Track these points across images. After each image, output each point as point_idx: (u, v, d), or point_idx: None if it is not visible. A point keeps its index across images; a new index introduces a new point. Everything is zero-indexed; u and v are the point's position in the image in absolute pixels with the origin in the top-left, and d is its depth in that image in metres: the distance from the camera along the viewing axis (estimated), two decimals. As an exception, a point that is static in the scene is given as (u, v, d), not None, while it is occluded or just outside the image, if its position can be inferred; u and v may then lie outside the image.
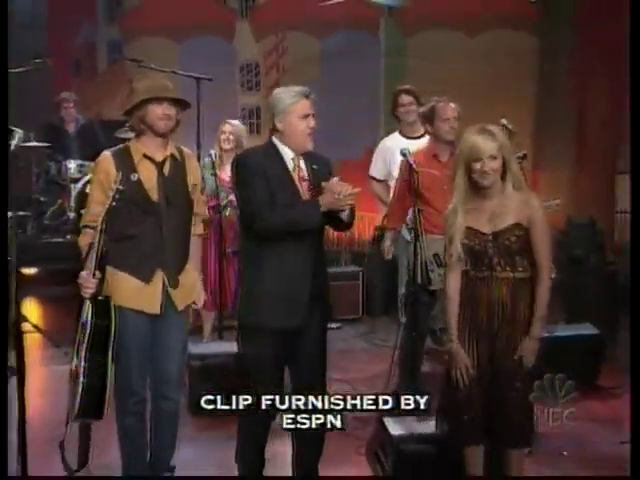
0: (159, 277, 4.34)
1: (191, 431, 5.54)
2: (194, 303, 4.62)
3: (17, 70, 7.36)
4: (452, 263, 4.13)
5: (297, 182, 4.39)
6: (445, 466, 4.44)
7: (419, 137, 6.60)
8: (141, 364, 4.43)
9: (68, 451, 4.47)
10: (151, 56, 8.91)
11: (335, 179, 4.28)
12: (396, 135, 6.89)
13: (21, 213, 4.61)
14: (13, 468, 3.73)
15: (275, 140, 4.41)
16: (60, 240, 8.49)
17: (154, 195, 4.29)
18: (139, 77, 4.51)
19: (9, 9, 10.37)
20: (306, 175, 4.45)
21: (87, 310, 4.17)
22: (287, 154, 4.40)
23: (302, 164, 4.45)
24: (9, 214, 6.66)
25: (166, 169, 4.36)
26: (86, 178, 7.35)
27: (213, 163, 6.90)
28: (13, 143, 4.28)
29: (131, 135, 7.83)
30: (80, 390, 4.16)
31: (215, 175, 6.90)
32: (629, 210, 4.38)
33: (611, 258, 8.59)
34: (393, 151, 6.39)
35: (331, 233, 9.97)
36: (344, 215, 4.31)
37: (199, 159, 6.33)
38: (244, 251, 4.60)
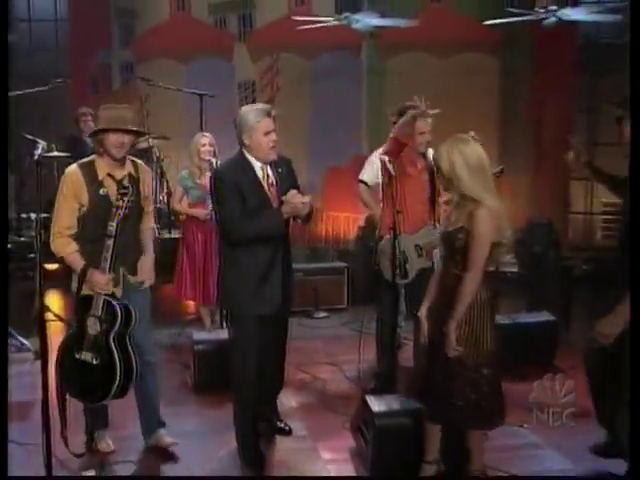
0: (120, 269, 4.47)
1: (196, 407, 5.57)
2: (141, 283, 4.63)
3: (41, 89, 7.34)
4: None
5: (267, 189, 4.57)
6: (417, 436, 4.44)
7: None
8: None
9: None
10: (159, 76, 8.91)
11: (292, 192, 4.47)
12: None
13: (45, 215, 4.61)
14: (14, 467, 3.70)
15: (245, 152, 4.58)
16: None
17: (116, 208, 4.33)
18: (104, 107, 4.55)
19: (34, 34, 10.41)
20: (274, 181, 4.62)
21: (100, 305, 4.30)
22: (256, 164, 4.58)
23: (269, 171, 4.63)
24: (35, 216, 6.68)
25: (124, 184, 4.40)
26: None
27: (191, 175, 6.76)
28: (37, 153, 4.24)
29: (143, 146, 7.86)
30: (118, 374, 4.27)
31: (196, 184, 6.74)
32: (583, 211, 4.39)
33: (566, 254, 8.63)
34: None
35: (320, 233, 10.04)
36: (302, 217, 4.61)
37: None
38: (223, 252, 4.75)
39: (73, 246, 4.43)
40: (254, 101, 10.55)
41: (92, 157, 4.52)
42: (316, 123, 9.97)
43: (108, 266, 4.27)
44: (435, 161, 4.07)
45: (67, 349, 4.39)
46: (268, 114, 4.55)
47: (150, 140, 8.00)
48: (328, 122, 9.83)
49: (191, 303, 7.93)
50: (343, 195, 9.90)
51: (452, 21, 9.94)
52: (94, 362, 4.30)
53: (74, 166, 4.52)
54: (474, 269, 3.86)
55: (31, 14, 11.43)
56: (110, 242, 4.25)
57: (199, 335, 6.05)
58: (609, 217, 9.86)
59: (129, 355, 4.35)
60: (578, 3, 8.86)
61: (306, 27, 9.23)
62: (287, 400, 5.62)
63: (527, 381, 5.02)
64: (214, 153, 6.74)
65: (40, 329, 4.11)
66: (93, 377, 4.32)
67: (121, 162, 4.52)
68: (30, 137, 6.90)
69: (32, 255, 5.48)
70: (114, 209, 4.25)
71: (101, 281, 4.29)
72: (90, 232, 4.40)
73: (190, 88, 8.21)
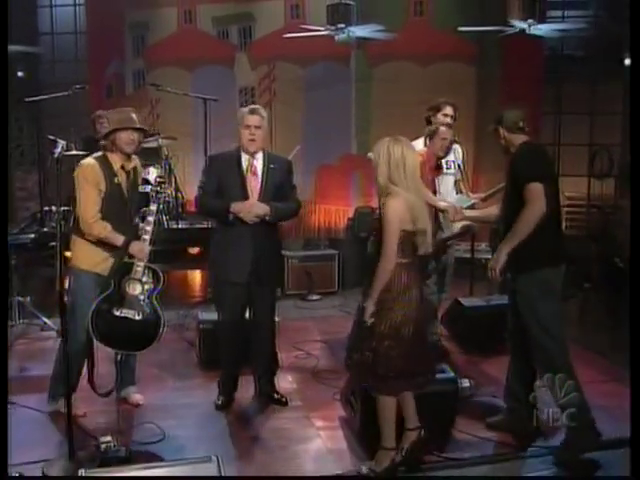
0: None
1: (201, 380, 5.57)
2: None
3: (62, 94, 7.31)
4: None
5: (247, 177, 4.79)
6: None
7: None
8: None
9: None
10: (168, 82, 8.88)
11: (249, 201, 4.73)
12: (420, 142, 5.78)
13: (64, 208, 4.63)
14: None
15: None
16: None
17: (126, 193, 4.74)
18: (113, 111, 4.85)
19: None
20: (259, 172, 4.82)
21: (141, 270, 4.54)
22: (244, 156, 4.83)
23: (257, 164, 4.82)
24: (56, 209, 6.67)
25: (131, 176, 4.80)
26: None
27: None
28: (57, 152, 4.24)
29: (152, 145, 7.84)
30: (162, 325, 4.56)
31: None
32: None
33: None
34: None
35: (313, 224, 10.05)
36: (267, 218, 4.78)
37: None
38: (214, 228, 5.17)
39: (108, 226, 4.62)
40: (253, 104, 10.52)
41: (103, 153, 4.71)
42: (310, 125, 9.94)
43: (148, 238, 4.54)
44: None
45: (105, 308, 4.50)
46: (252, 112, 4.80)
47: (159, 140, 7.97)
48: (321, 124, 9.82)
49: (197, 286, 7.93)
50: (334, 190, 9.90)
51: (432, 34, 9.91)
52: (136, 317, 4.50)
53: (90, 159, 4.72)
54: (384, 252, 3.93)
55: (54, 28, 11.38)
56: (152, 219, 4.56)
57: (204, 315, 6.03)
58: (572, 209, 9.90)
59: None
60: (545, 18, 8.82)
61: (296, 35, 9.20)
62: (284, 374, 5.62)
63: (500, 355, 5.07)
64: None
65: (61, 310, 4.12)
66: (135, 330, 4.51)
67: (129, 157, 4.78)
68: (51, 137, 6.87)
69: (53, 244, 5.50)
70: (153, 194, 4.60)
71: (144, 250, 4.53)
72: (106, 215, 4.62)
73: (195, 93, 8.20)
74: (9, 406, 4.49)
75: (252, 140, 4.76)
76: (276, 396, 5.16)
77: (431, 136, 5.62)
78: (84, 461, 4.04)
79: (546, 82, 10.04)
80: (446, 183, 5.87)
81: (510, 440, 4.52)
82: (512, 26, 8.54)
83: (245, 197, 4.77)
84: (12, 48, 8.70)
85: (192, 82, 10.10)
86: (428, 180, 5.36)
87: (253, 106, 4.93)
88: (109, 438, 4.18)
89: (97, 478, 3.37)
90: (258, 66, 10.38)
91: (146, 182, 7.53)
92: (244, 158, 4.83)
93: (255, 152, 4.82)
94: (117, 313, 4.49)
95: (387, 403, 4.11)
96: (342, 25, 8.74)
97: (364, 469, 4.10)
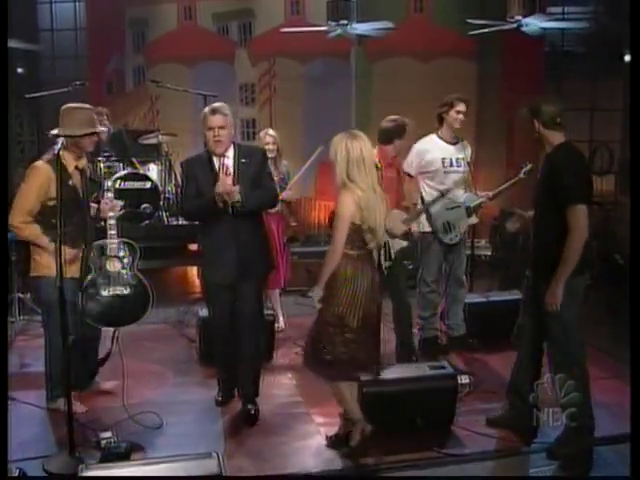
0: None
1: (200, 377, 5.57)
2: None
3: (61, 91, 7.29)
4: None
5: (221, 177, 4.59)
6: (399, 401, 4.45)
7: (455, 143, 5.92)
8: None
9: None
10: (168, 78, 8.87)
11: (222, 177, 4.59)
12: (433, 137, 5.93)
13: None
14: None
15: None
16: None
17: (81, 194, 4.82)
18: (70, 107, 4.76)
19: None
20: (231, 170, 4.66)
21: (116, 246, 4.67)
22: (214, 156, 4.68)
23: (228, 162, 4.68)
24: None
25: (85, 174, 4.89)
26: (115, 176, 7.28)
27: None
28: (57, 148, 4.24)
29: (153, 141, 7.83)
30: (151, 293, 4.75)
31: None
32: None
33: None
34: (428, 150, 5.87)
35: (313, 220, 10.04)
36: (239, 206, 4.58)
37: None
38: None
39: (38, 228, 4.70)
40: (254, 101, 10.54)
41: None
42: (310, 121, 9.94)
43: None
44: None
45: (93, 292, 4.61)
46: (213, 112, 4.59)
47: (159, 136, 7.96)
48: (321, 120, 9.80)
49: (197, 283, 7.92)
50: (334, 186, 9.87)
51: (432, 29, 9.91)
52: (125, 292, 4.67)
53: (41, 161, 4.79)
54: (332, 243, 4.13)
55: (54, 25, 11.38)
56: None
57: (204, 312, 6.02)
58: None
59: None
60: (545, 13, 8.81)
61: (294, 30, 9.20)
62: (285, 370, 5.62)
63: (499, 350, 5.04)
64: (277, 150, 6.43)
65: (61, 308, 4.11)
66: (128, 303, 4.69)
67: (82, 153, 4.86)
68: (51, 133, 6.85)
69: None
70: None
71: (107, 207, 4.73)
72: (65, 218, 4.31)
73: (196, 90, 8.17)
74: (9, 402, 4.53)
75: (218, 141, 4.60)
76: (249, 406, 4.84)
77: (398, 135, 5.56)
78: (84, 457, 4.04)
79: (546, 78, 10.03)
80: (454, 181, 5.86)
81: (511, 437, 4.51)
82: (512, 22, 8.52)
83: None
84: (12, 45, 8.70)
85: (192, 78, 10.12)
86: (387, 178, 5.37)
87: (215, 105, 4.68)
88: (109, 434, 4.19)
89: (98, 477, 3.35)
90: (258, 62, 10.40)
91: (147, 179, 7.57)
92: (215, 159, 4.69)
93: (224, 152, 4.67)
94: (106, 293, 4.64)
95: (338, 389, 4.29)
96: (343, 22, 8.73)
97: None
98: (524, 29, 8.53)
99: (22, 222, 4.67)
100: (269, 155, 6.13)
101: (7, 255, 6.14)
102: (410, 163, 5.92)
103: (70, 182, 4.69)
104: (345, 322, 4.09)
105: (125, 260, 4.68)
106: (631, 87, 4.10)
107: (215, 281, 4.81)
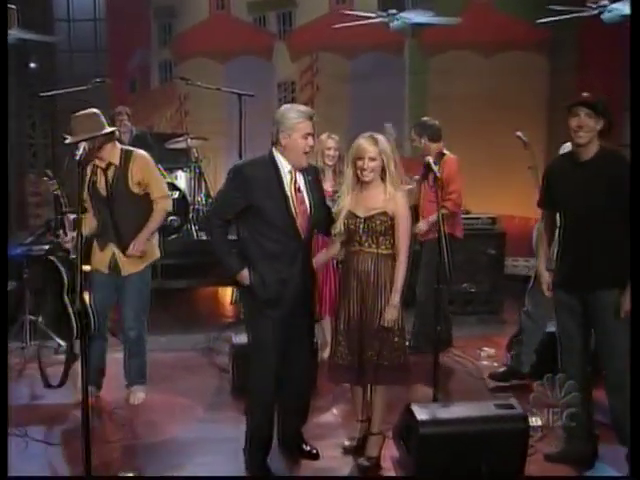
0: (110, 247, 5.47)
1: (234, 412, 5.53)
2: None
3: (80, 88, 7.39)
4: (334, 235, 4.61)
5: (290, 192, 4.44)
6: (462, 445, 4.40)
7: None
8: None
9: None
10: (198, 75, 8.95)
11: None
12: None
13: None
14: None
15: (275, 152, 4.46)
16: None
17: (104, 192, 5.37)
18: (83, 116, 5.25)
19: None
20: (302, 187, 4.50)
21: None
22: (285, 167, 4.46)
23: (300, 177, 4.50)
24: (76, 217, 6.73)
25: (110, 173, 5.36)
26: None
27: None
28: (79, 153, 4.28)
29: (181, 146, 7.89)
30: None
31: None
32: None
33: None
34: None
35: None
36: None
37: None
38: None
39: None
40: (293, 100, 10.57)
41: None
42: (357, 124, 9.93)
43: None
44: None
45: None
46: (310, 117, 4.46)
47: (189, 140, 8.02)
48: (369, 123, 9.72)
49: (229, 306, 7.93)
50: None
51: (497, 18, 9.87)
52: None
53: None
54: (403, 248, 4.47)
55: (71, 14, 11.55)
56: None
57: (238, 338, 6.01)
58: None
59: None
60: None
61: (347, 25, 9.21)
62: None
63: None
64: (339, 157, 6.28)
65: (81, 332, 4.13)
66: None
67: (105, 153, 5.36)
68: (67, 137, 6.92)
69: (60, 254, 5.58)
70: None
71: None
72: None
73: (229, 88, 8.20)
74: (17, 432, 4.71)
75: (308, 153, 4.47)
76: (305, 447, 4.84)
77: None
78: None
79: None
80: None
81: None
82: (592, 7, 8.42)
83: (288, 220, 4.47)
84: (24, 36, 8.84)
85: (225, 75, 10.22)
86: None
87: (307, 108, 4.56)
88: (131, 474, 4.22)
89: (110, 478, 3.56)
90: (299, 57, 10.44)
91: (174, 188, 7.63)
92: (285, 169, 4.45)
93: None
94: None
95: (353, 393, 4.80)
96: (394, 11, 8.74)
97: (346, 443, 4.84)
98: (604, 16, 8.42)
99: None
100: (329, 162, 6.25)
101: (7, 261, 6.15)
102: None
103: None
104: (338, 326, 4.61)
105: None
106: (631, 87, 4.12)
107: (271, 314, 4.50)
